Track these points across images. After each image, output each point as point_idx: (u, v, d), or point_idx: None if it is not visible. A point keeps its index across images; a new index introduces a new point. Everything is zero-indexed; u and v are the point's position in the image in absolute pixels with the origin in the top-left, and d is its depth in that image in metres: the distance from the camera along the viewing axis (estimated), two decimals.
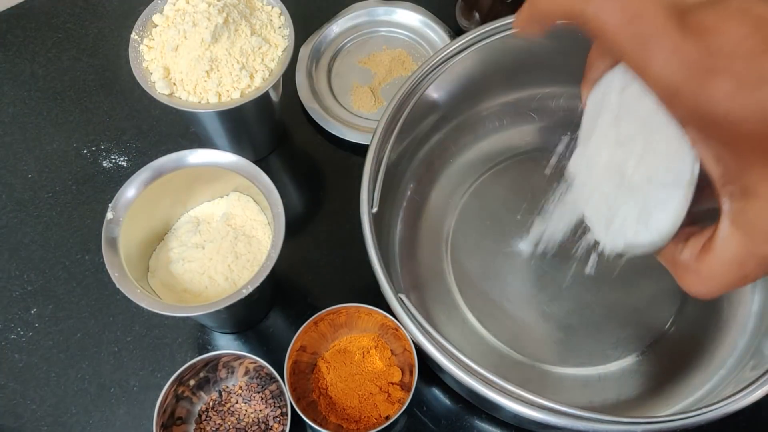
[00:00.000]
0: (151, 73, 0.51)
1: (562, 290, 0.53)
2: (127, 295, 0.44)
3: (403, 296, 0.45)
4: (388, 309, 0.46)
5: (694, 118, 0.25)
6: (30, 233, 0.59)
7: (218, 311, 0.44)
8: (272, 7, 0.54)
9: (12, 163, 0.63)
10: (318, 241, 0.59)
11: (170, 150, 0.49)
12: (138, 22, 0.52)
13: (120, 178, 0.61)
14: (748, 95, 0.23)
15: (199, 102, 0.51)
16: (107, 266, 0.45)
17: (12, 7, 0.71)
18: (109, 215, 0.46)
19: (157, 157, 0.48)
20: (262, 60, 0.52)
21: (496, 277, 0.55)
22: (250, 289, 0.44)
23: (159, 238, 0.52)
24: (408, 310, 0.44)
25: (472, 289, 0.54)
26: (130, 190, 0.47)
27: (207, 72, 0.50)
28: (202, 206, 0.53)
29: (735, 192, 0.26)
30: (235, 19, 0.51)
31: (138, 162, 0.62)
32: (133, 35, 0.52)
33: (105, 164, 0.62)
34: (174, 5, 0.52)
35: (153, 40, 0.52)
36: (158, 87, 0.51)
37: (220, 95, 0.51)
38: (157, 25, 0.52)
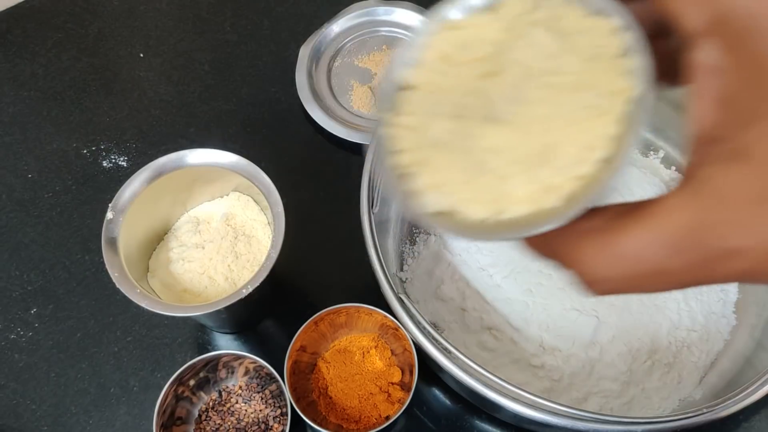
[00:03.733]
0: None
1: None
2: (126, 295, 0.44)
3: (403, 296, 0.45)
4: (388, 309, 0.46)
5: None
6: (30, 233, 0.59)
7: (218, 311, 0.44)
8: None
9: (12, 163, 0.63)
10: (318, 241, 0.59)
11: (170, 150, 0.49)
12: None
13: (120, 178, 0.61)
14: None
15: None
16: (107, 266, 0.45)
17: (12, 7, 0.71)
18: (109, 215, 0.46)
19: (157, 157, 0.48)
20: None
21: None
22: (250, 289, 0.44)
23: (159, 238, 0.52)
24: (408, 310, 0.44)
25: None
26: (130, 190, 0.47)
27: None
28: (202, 206, 0.53)
29: (722, 153, 0.19)
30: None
31: (138, 162, 0.62)
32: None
33: (105, 164, 0.62)
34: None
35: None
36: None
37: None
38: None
